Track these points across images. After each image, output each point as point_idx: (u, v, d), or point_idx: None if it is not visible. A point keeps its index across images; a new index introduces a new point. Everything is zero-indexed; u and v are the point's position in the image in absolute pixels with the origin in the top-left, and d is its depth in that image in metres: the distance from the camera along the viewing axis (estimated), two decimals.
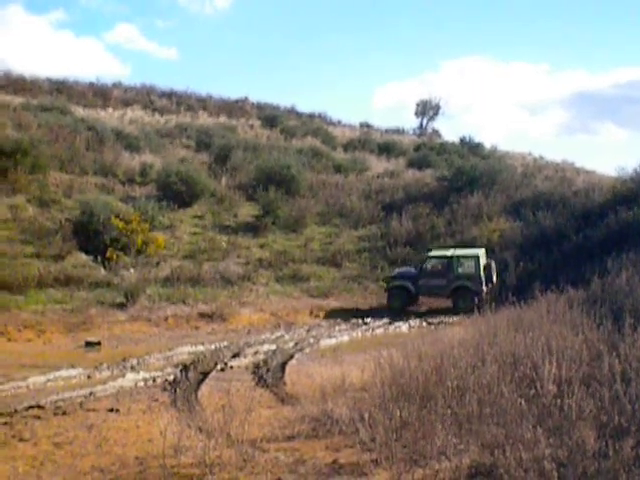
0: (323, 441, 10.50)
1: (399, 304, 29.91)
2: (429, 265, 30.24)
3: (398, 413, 9.86)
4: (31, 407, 13.81)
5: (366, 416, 10.55)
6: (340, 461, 9.57)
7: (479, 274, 29.10)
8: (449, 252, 30.66)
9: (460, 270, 29.60)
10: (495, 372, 11.24)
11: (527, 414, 9.61)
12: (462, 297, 28.93)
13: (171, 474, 9.22)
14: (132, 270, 28.96)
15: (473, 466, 8.60)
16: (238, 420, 10.76)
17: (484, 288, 28.75)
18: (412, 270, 30.91)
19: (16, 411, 13.45)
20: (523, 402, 9.80)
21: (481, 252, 30.15)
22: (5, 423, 12.53)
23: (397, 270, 31.54)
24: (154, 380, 16.96)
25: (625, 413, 9.27)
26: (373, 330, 26.28)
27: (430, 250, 32.24)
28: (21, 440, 11.40)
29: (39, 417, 13.04)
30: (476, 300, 26.10)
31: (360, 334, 25.44)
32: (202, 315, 27.24)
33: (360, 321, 27.93)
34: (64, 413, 13.40)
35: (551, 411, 9.78)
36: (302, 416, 11.85)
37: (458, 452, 9.09)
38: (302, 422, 11.52)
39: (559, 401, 9.83)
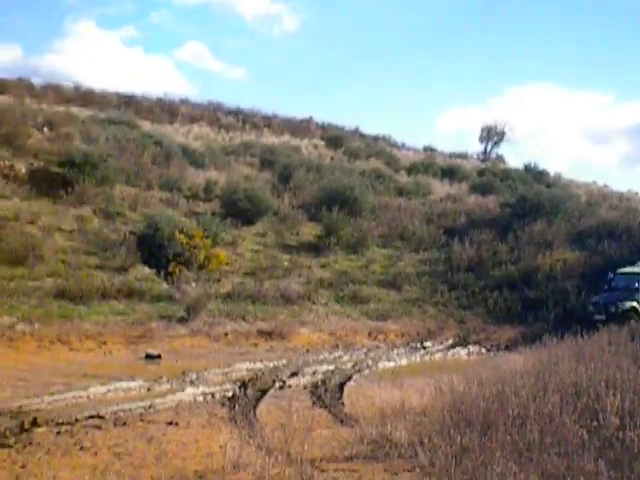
0: (382, 464, 10.47)
1: None
2: None
3: (459, 439, 9.80)
4: (92, 417, 13.92)
5: (426, 440, 10.51)
6: None
7: None
8: None
9: None
10: (557, 402, 11.16)
11: (588, 445, 9.50)
12: None
13: None
14: (194, 285, 29.20)
15: None
16: (298, 439, 10.78)
17: None
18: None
19: (77, 420, 13.57)
20: (584, 433, 9.69)
21: None
22: (66, 431, 12.66)
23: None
24: (213, 395, 17.02)
25: None
26: (432, 355, 26.22)
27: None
28: (82, 449, 11.51)
29: (99, 427, 13.15)
30: None
31: (419, 358, 25.39)
32: (261, 332, 27.39)
33: (419, 345, 27.87)
34: (124, 424, 13.50)
35: (613, 444, 9.67)
36: (361, 437, 11.81)
37: None
38: (361, 444, 11.49)
39: (621, 434, 9.72)
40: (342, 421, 14.21)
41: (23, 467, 10.40)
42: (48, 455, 11.10)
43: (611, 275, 29.09)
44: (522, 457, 9.46)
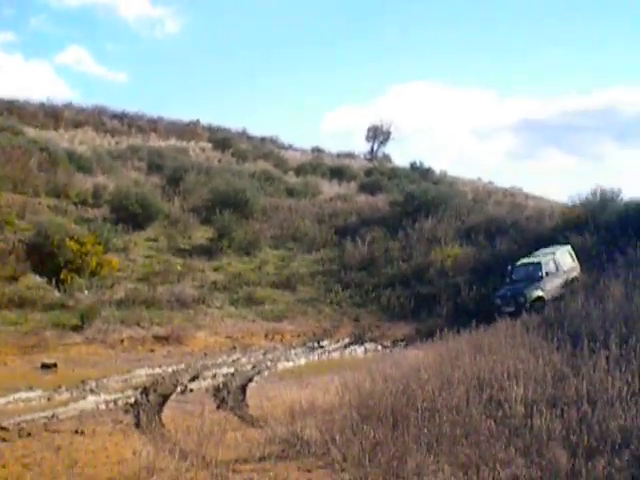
0: (294, 462, 10.56)
1: None
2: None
3: (371, 434, 9.95)
4: None
5: (337, 437, 10.63)
6: None
7: None
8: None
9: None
10: (462, 394, 11.41)
11: (497, 434, 9.77)
12: None
13: None
14: (86, 292, 28.75)
15: None
16: (208, 442, 10.79)
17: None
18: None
19: None
20: (492, 423, 9.95)
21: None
22: None
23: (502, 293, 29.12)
24: (115, 402, 16.88)
25: (594, 433, 9.46)
26: (329, 353, 26.41)
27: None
28: None
29: (4, 439, 12.93)
30: None
31: (317, 357, 25.54)
32: (157, 338, 27.10)
33: (316, 344, 28.04)
34: (29, 435, 13.29)
35: (521, 432, 9.95)
36: (271, 437, 11.88)
37: (432, 472, 9.21)
38: (271, 444, 11.56)
39: (528, 422, 10.01)
40: (249, 422, 14.26)
41: None
42: None
43: (510, 267, 29.73)
44: (434, 449, 9.66)
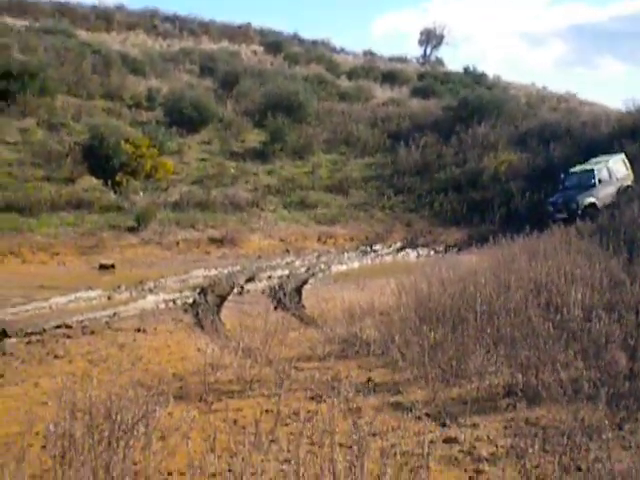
0: (354, 361, 10.76)
1: None
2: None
3: (431, 334, 10.09)
4: (59, 326, 14.01)
5: (396, 337, 10.79)
6: (374, 380, 9.84)
7: None
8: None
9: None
10: (520, 298, 11.48)
11: (556, 337, 9.86)
12: None
13: (212, 389, 9.47)
14: (142, 194, 29.12)
15: (507, 386, 8.87)
16: (273, 340, 11.01)
17: None
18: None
19: (45, 330, 13.65)
20: (551, 326, 10.03)
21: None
22: (37, 341, 12.75)
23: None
24: (174, 302, 17.21)
25: None
26: (382, 257, 26.63)
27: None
28: (56, 357, 11.63)
29: (69, 336, 13.25)
30: None
31: (370, 261, 25.75)
32: (212, 240, 27.49)
33: (368, 248, 28.23)
34: (92, 332, 13.61)
35: (579, 335, 10.04)
36: (330, 337, 12.08)
37: (491, 373, 9.37)
38: (331, 343, 11.75)
39: (586, 326, 10.08)
40: (307, 323, 14.46)
41: (1, 376, 10.49)
42: (24, 364, 11.21)
43: (563, 175, 29.53)
44: (493, 350, 9.79)
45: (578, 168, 29.45)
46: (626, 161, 29.25)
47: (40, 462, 6.89)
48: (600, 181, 28.16)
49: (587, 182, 28.30)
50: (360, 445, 5.63)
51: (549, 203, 28.91)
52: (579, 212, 26.87)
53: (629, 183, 28.53)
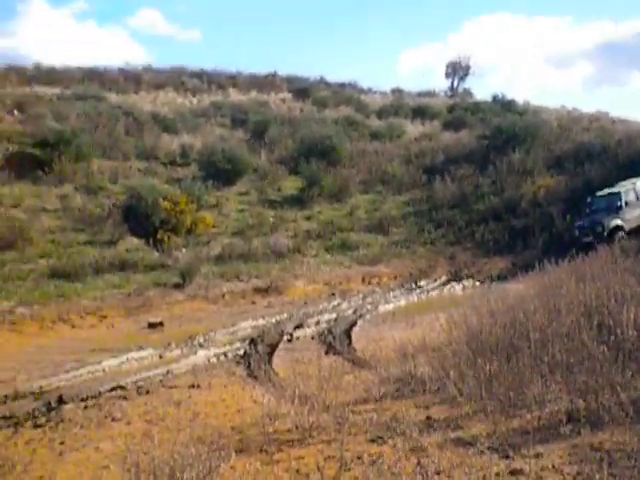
0: (410, 400, 10.70)
1: None
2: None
3: (487, 367, 10.03)
4: (114, 388, 14.08)
5: (451, 373, 10.74)
6: (433, 417, 9.79)
7: None
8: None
9: None
10: (572, 322, 11.38)
11: (612, 359, 9.77)
12: None
13: (272, 440, 9.47)
14: (184, 250, 29.34)
15: (567, 412, 8.78)
16: (329, 385, 10.99)
17: None
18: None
19: (100, 393, 13.73)
20: (605, 349, 9.93)
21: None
22: (93, 405, 12.82)
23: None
24: (225, 355, 17.22)
25: None
26: (428, 292, 26.52)
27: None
28: (114, 420, 11.68)
29: (124, 397, 13.31)
30: None
31: (416, 297, 25.67)
32: (257, 290, 27.53)
33: (413, 285, 28.17)
34: (147, 392, 13.65)
35: (634, 355, 9.94)
36: (384, 378, 12.05)
37: (550, 400, 9.29)
38: (385, 384, 11.71)
39: None
40: (360, 365, 14.43)
41: (62, 443, 10.54)
42: (83, 429, 11.27)
43: (589, 199, 29.47)
44: (550, 378, 9.71)
45: (604, 191, 29.34)
46: None
47: None
48: (627, 203, 28.14)
49: (613, 205, 28.23)
50: None
51: (575, 227, 28.86)
52: (605, 235, 26.84)
53: None
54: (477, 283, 27.55)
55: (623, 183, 29.31)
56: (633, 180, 29.27)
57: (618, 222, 27.53)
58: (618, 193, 28.45)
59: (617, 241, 24.95)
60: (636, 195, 28.48)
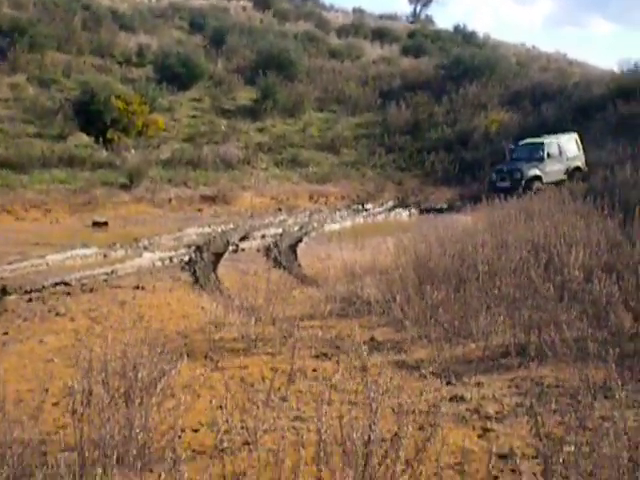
0: (355, 320, 10.77)
1: None
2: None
3: (434, 294, 10.17)
4: (58, 284, 14.06)
5: (398, 297, 10.86)
6: (377, 338, 9.93)
7: None
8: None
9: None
10: (520, 258, 11.56)
11: (558, 298, 9.97)
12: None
13: (217, 347, 9.55)
14: (133, 151, 28.95)
15: (511, 345, 8.96)
16: (277, 298, 11.06)
17: None
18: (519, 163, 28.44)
19: (44, 287, 13.71)
20: (552, 287, 10.11)
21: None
22: (37, 298, 12.79)
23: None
24: (171, 260, 17.28)
25: None
26: (374, 216, 26.67)
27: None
28: (58, 315, 11.67)
29: (68, 293, 13.32)
30: None
31: (362, 220, 25.81)
32: (204, 198, 27.44)
33: (360, 207, 28.29)
34: (91, 290, 13.66)
35: (580, 296, 10.14)
36: (329, 296, 12.14)
37: (495, 332, 9.47)
38: (331, 302, 11.80)
39: (587, 287, 10.17)
40: (305, 282, 14.53)
41: (6, 334, 10.51)
42: (27, 321, 11.26)
43: (512, 146, 29.53)
44: (496, 310, 9.88)
45: (528, 140, 29.38)
46: (578, 141, 28.88)
47: (54, 419, 6.99)
48: (549, 155, 28.14)
49: (535, 155, 28.27)
50: (374, 402, 5.69)
51: (493, 171, 28.98)
52: (523, 183, 26.84)
53: (579, 164, 28.31)
54: (424, 211, 27.67)
55: (548, 136, 29.34)
56: (559, 135, 29.31)
57: (537, 172, 27.54)
58: (542, 143, 28.42)
59: (534, 192, 25.06)
60: (559, 149, 28.44)
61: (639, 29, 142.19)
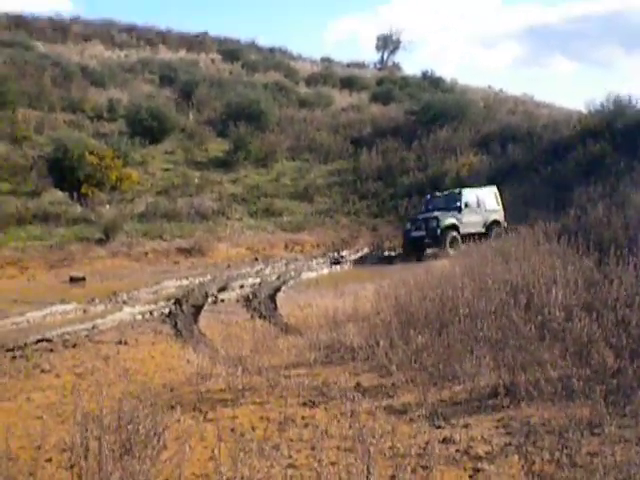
0: (340, 367, 10.86)
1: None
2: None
3: (418, 338, 10.28)
4: (40, 340, 14.02)
5: (381, 342, 10.96)
6: (363, 384, 10.00)
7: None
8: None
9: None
10: (500, 300, 11.68)
11: (539, 338, 10.10)
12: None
13: (206, 398, 9.58)
14: (108, 206, 29.15)
15: (496, 386, 9.05)
16: (262, 347, 11.14)
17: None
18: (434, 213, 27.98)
19: (26, 344, 13.66)
20: (533, 327, 10.25)
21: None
22: (21, 356, 12.76)
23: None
24: (151, 313, 17.27)
25: (632, 336, 9.78)
26: (350, 263, 26.78)
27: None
28: (43, 371, 11.65)
29: (51, 350, 13.30)
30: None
31: (339, 267, 25.92)
32: (180, 250, 27.57)
33: (336, 254, 28.42)
34: (74, 346, 13.62)
35: (561, 335, 10.27)
36: (312, 344, 12.19)
37: (479, 374, 9.57)
38: (314, 350, 11.85)
39: (568, 325, 10.31)
40: (286, 330, 14.56)
41: None
42: (12, 379, 11.23)
43: (429, 196, 29.63)
44: (479, 352, 9.99)
45: (446, 191, 29.60)
46: (497, 195, 28.80)
47: (49, 475, 7.02)
48: (467, 205, 27.93)
49: (452, 204, 28.04)
50: (365, 446, 5.77)
51: (408, 220, 28.94)
52: (438, 232, 26.67)
53: (497, 218, 28.10)
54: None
55: (467, 188, 29.32)
56: (479, 188, 29.32)
57: (454, 221, 27.23)
58: (459, 193, 28.39)
59: (449, 242, 25.00)
60: (477, 201, 28.32)
61: (597, 67, 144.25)
